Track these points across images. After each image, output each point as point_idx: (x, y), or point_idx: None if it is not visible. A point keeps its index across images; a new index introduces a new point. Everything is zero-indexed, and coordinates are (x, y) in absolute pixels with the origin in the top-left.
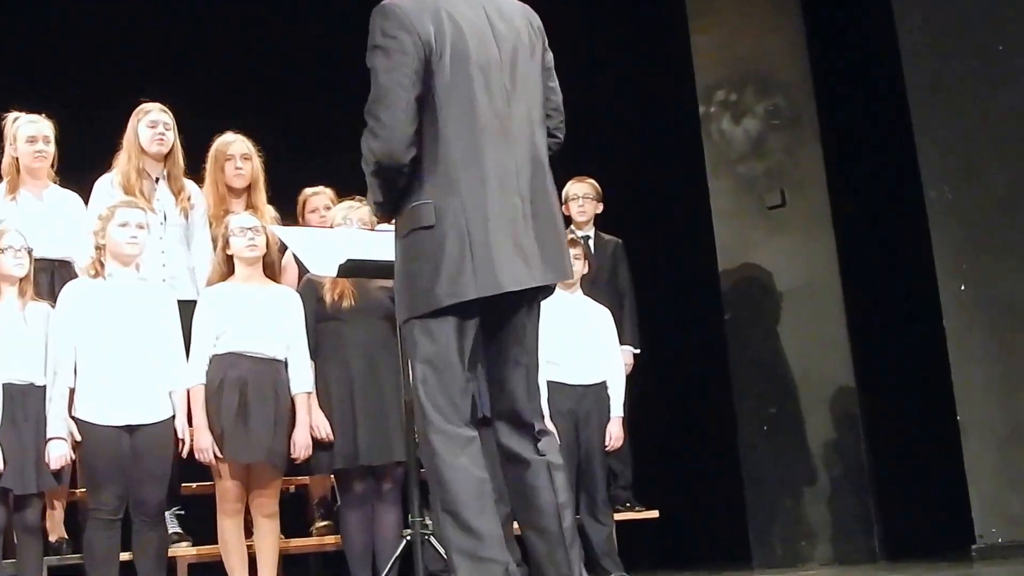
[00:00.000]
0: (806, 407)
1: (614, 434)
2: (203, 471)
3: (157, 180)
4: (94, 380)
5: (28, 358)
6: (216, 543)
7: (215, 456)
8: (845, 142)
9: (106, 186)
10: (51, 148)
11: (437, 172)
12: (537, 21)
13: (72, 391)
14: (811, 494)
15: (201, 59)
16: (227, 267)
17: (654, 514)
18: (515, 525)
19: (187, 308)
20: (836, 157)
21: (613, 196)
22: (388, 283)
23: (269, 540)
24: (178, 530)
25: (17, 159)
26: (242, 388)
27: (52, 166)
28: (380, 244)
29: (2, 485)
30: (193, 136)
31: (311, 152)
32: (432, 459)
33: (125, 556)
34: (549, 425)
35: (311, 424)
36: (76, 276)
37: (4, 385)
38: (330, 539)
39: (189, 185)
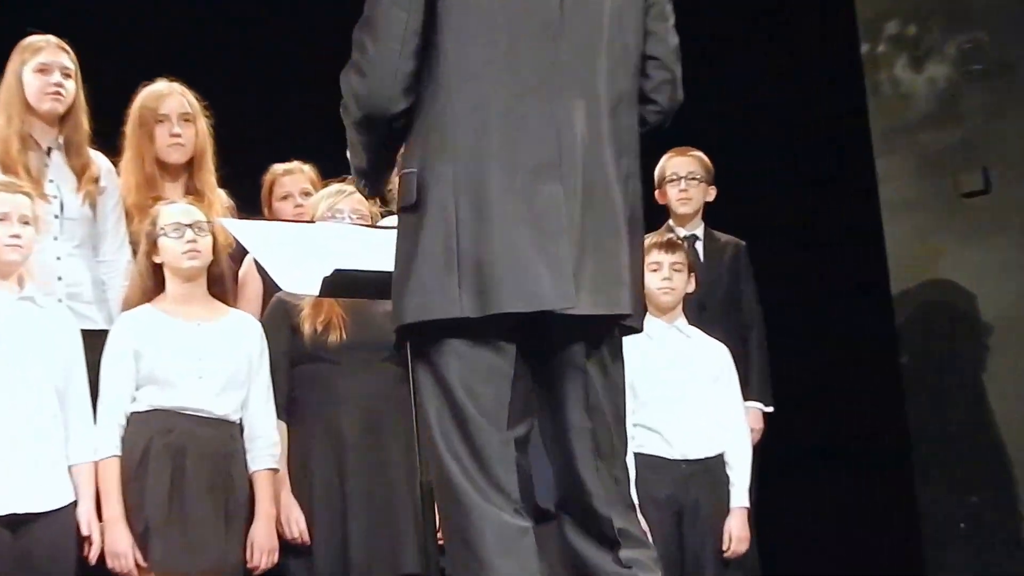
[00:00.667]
0: None
1: (735, 533)
2: None
3: (50, 152)
4: None
5: None
6: None
7: (136, 565)
8: None
9: None
10: None
11: (429, 129)
12: None
13: None
14: None
15: None
16: (154, 282)
17: None
18: None
19: (95, 342)
20: None
21: (730, 179)
22: None
23: None
24: None
25: None
26: (176, 462)
27: None
28: (385, 248)
29: None
30: (107, 87)
31: (284, 111)
32: (461, 552)
33: None
34: (639, 524)
35: (278, 518)
36: None
37: None
38: None
39: (98, 160)
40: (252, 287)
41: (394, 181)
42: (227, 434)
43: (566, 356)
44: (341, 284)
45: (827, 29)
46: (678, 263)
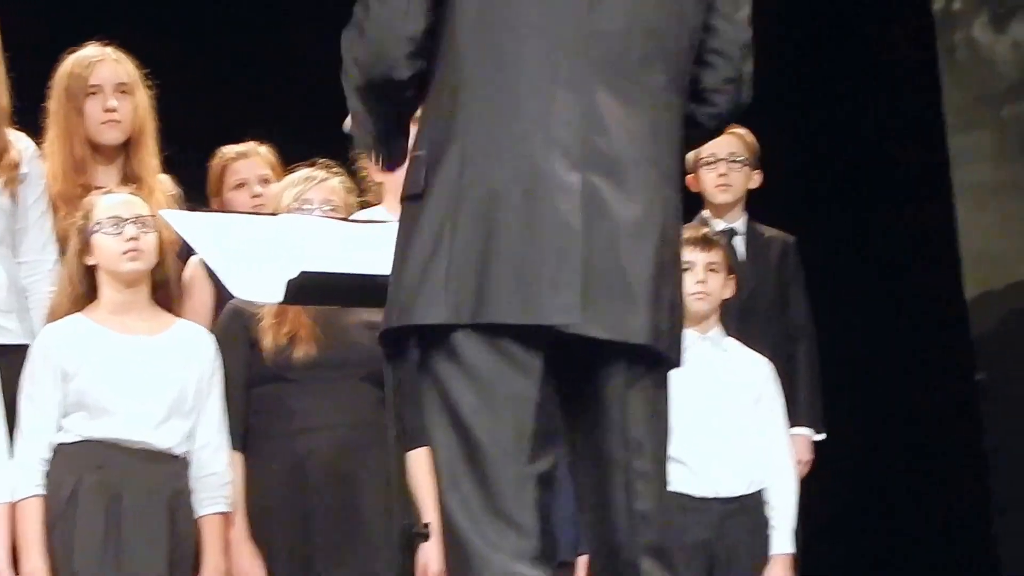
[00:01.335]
0: None
1: None
2: None
3: None
4: None
5: None
6: None
7: None
8: None
9: None
10: None
11: (441, 104)
12: None
13: None
14: None
15: None
16: (86, 287)
17: None
18: None
19: (14, 358)
20: None
21: (776, 162)
22: (378, 315)
23: None
24: None
25: None
26: (111, 504)
27: None
28: (362, 245)
29: None
30: (29, 53)
31: (238, 82)
32: None
33: None
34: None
35: (231, 568)
36: None
37: None
38: None
39: (18, 142)
40: (200, 293)
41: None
42: (171, 471)
43: (596, 376)
44: (309, 289)
45: None
46: (714, 263)
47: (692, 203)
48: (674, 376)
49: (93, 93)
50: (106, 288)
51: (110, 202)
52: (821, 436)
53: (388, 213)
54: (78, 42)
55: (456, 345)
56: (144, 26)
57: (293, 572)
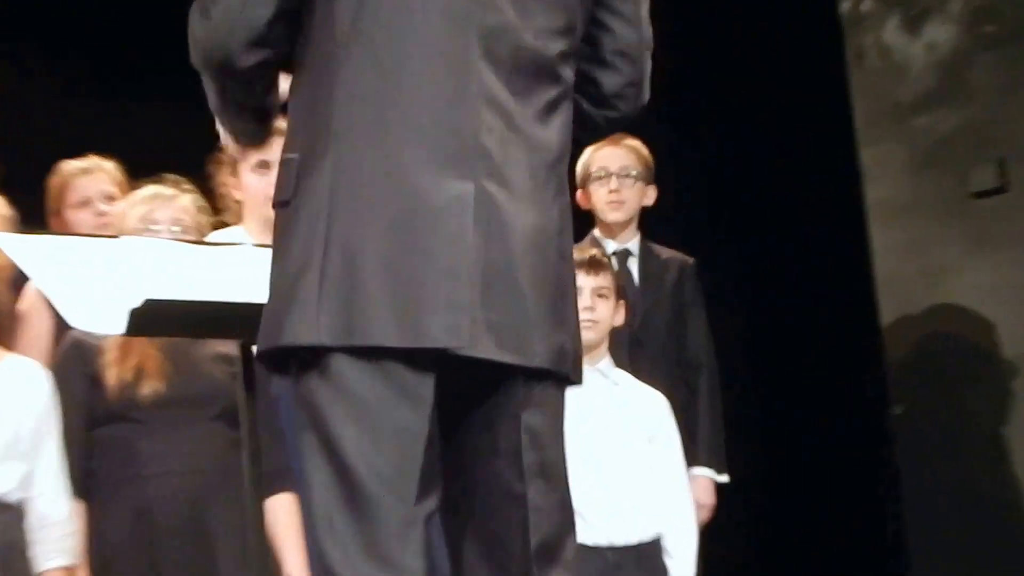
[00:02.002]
0: None
1: None
2: None
3: None
4: None
5: None
6: None
7: None
8: None
9: None
10: None
11: (314, 99)
12: None
13: None
14: None
15: None
16: None
17: None
18: None
19: None
20: None
21: (674, 179)
22: (233, 347)
23: None
24: None
25: None
26: None
27: None
28: (216, 270)
29: None
30: None
31: (78, 89)
32: None
33: None
34: None
35: None
36: None
37: None
38: None
39: None
40: (37, 324)
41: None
42: (4, 520)
43: (495, 406)
44: (156, 319)
45: None
46: (603, 287)
47: (583, 222)
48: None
49: None
50: None
51: None
52: (723, 478)
53: (247, 235)
54: None
55: (335, 371)
56: None
57: None
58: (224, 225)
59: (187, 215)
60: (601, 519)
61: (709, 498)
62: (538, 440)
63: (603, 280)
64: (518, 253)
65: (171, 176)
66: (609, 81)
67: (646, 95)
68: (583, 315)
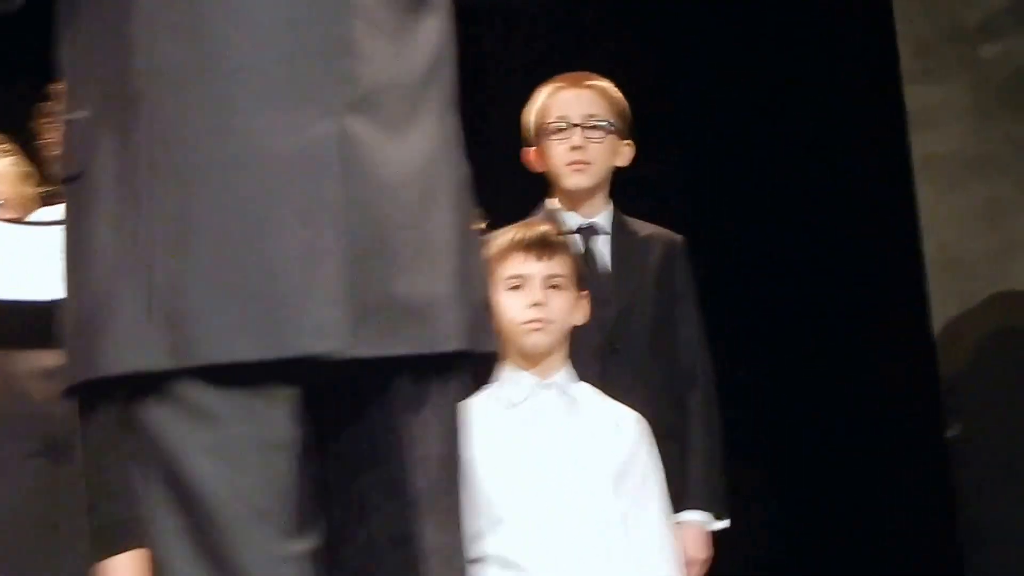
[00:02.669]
0: None
1: None
2: None
3: None
4: None
5: None
6: None
7: None
8: None
9: None
10: None
11: (107, 32)
12: None
13: None
14: None
15: None
16: None
17: None
18: None
19: None
20: None
21: (659, 132)
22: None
23: None
24: None
25: None
26: None
27: None
28: (42, 258)
29: None
30: None
31: None
32: None
33: None
34: None
35: None
36: None
37: None
38: None
39: None
40: None
41: None
42: None
43: (382, 406)
44: None
45: None
46: (558, 276)
47: (533, 188)
48: (502, 437)
49: None
50: None
51: None
52: (723, 524)
53: None
54: None
55: (179, 395)
56: None
57: None
58: (57, 199)
59: (5, 184)
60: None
61: (702, 551)
62: (436, 458)
63: (558, 266)
64: (400, 208)
65: None
66: None
67: None
68: (531, 312)
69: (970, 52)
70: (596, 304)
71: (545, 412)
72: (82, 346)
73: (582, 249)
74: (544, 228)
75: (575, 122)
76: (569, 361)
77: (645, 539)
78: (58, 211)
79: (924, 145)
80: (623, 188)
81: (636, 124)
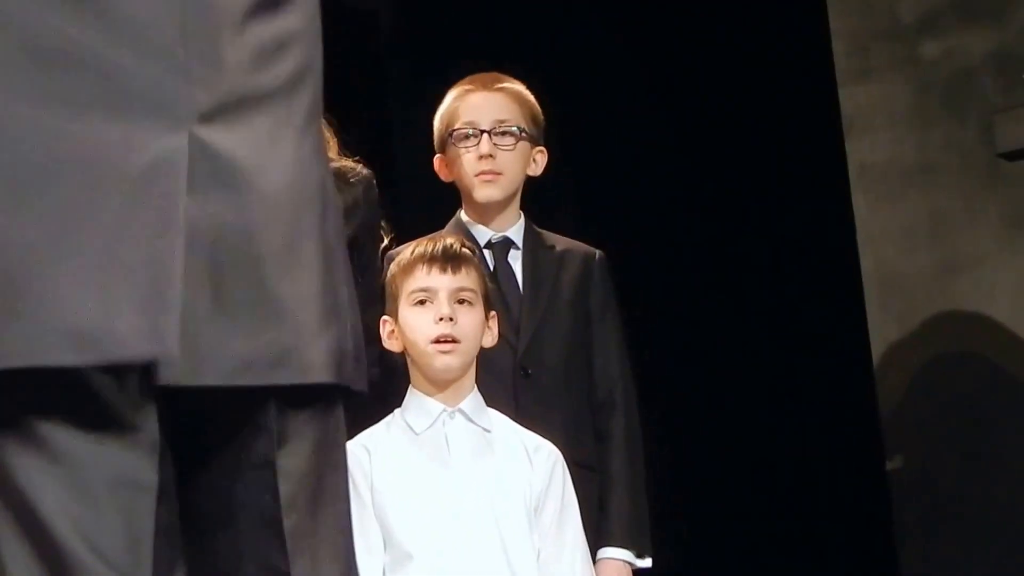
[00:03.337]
0: None
1: None
2: None
3: None
4: None
5: None
6: None
7: None
8: None
9: None
10: None
11: None
12: None
13: None
14: None
15: None
16: None
17: None
18: None
19: None
20: None
21: (576, 134)
22: None
23: None
24: None
25: None
26: None
27: None
28: None
29: None
30: None
31: None
32: None
33: None
34: None
35: None
36: None
37: None
38: None
39: None
40: None
41: None
42: None
43: (239, 451)
44: None
45: None
46: (466, 291)
47: (445, 200)
48: (405, 472)
49: None
50: None
51: None
52: (645, 563)
53: None
54: None
55: (26, 415)
56: None
57: None
58: None
59: None
60: None
61: None
62: (305, 493)
63: (466, 279)
64: (261, 224)
65: None
66: None
67: None
68: (437, 329)
69: (909, 50)
70: (507, 325)
71: (453, 442)
72: None
73: (492, 266)
74: (451, 240)
75: (484, 128)
76: (476, 387)
77: (565, 574)
78: None
79: (860, 152)
80: (536, 198)
81: (550, 129)
